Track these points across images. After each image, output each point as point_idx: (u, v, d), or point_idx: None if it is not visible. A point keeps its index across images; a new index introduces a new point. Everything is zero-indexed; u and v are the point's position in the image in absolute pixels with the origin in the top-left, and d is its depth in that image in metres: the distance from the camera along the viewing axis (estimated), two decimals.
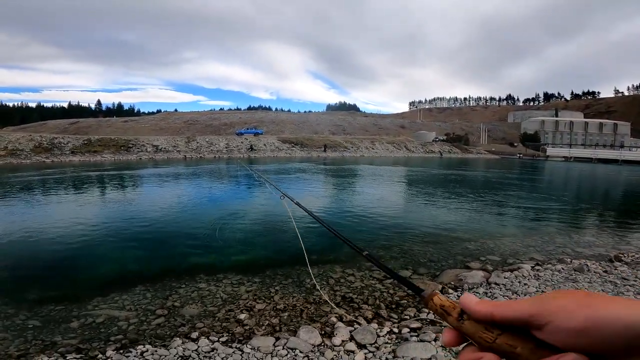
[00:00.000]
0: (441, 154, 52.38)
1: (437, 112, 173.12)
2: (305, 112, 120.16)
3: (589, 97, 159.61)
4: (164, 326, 3.65)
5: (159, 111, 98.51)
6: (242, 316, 3.77)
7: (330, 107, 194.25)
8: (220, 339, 3.29)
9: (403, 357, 2.86)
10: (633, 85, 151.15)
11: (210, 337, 3.32)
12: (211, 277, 4.92)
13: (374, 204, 11.12)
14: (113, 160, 29.41)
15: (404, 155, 46.83)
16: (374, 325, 3.53)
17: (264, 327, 3.56)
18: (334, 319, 3.64)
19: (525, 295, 4.02)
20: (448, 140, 64.20)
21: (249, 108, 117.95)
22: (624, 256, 5.56)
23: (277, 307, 4.03)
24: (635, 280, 4.39)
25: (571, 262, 5.30)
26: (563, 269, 4.95)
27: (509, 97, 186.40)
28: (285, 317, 3.80)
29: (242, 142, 40.25)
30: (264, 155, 36.99)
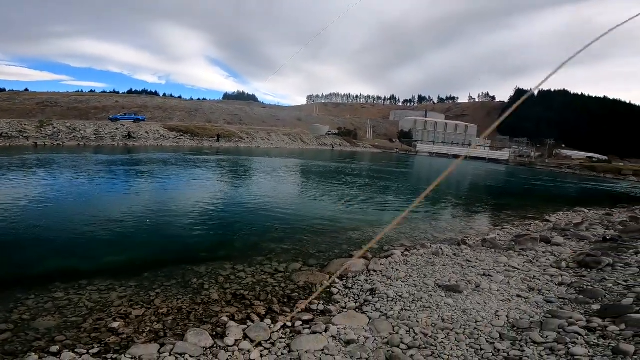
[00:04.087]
0: (333, 147, 55.88)
1: (332, 107, 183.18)
2: (199, 99, 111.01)
3: (450, 102, 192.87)
4: (12, 342, 3.16)
5: (2, 90, 76.40)
6: (115, 325, 3.41)
7: (227, 96, 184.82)
8: (90, 351, 2.96)
9: (297, 351, 2.91)
10: (482, 93, 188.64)
11: (76, 350, 2.96)
12: (70, 285, 4.27)
13: (267, 196, 11.08)
14: None
15: (299, 147, 48.21)
16: (268, 321, 3.55)
17: (144, 335, 3.27)
18: (225, 319, 3.56)
19: (397, 280, 4.58)
20: (340, 135, 68.85)
21: (130, 92, 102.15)
22: (468, 239, 6.91)
23: (160, 311, 3.72)
24: (477, 262, 5.38)
25: (430, 246, 6.27)
26: (424, 253, 5.79)
27: (392, 97, 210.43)
28: (169, 321, 3.53)
29: (117, 129, 34.72)
30: (146, 143, 32.71)
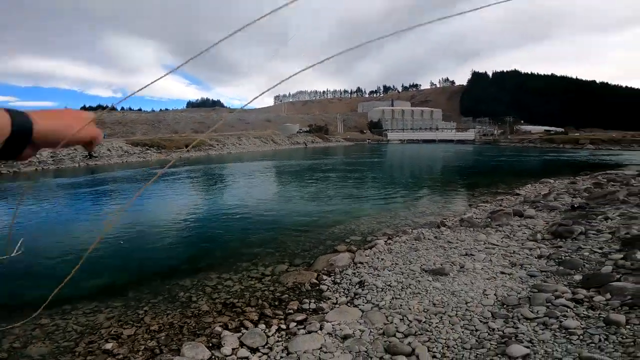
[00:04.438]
0: (306, 145, 55.80)
1: (300, 105, 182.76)
2: (161, 110, 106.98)
3: (414, 89, 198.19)
4: None
5: None
6: (108, 346, 3.34)
7: (191, 104, 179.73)
8: None
9: (296, 352, 2.88)
10: (442, 79, 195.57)
11: None
12: (54, 312, 4.13)
13: (244, 202, 10.84)
14: None
15: (272, 149, 47.75)
16: (262, 326, 3.51)
17: (140, 353, 3.23)
18: (218, 329, 3.49)
19: (384, 270, 4.60)
20: (311, 131, 68.87)
21: (84, 108, 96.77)
22: (447, 221, 7.05)
23: (151, 328, 3.66)
24: (458, 243, 5.50)
25: (411, 232, 6.36)
26: (407, 239, 5.86)
27: (358, 90, 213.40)
28: (163, 337, 3.47)
29: (75, 149, 32.76)
30: (110, 162, 31.08)
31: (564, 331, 2.76)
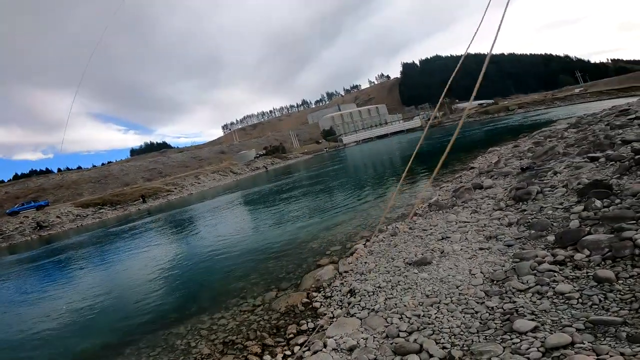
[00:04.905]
0: (266, 168, 55.24)
1: (250, 129, 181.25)
2: (104, 164, 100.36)
3: (355, 90, 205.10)
4: None
5: None
6: None
7: (134, 151, 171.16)
8: None
9: None
10: (378, 75, 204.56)
11: None
12: None
13: (216, 240, 10.42)
14: None
15: (233, 180, 46.63)
16: (267, 357, 3.47)
17: None
18: None
19: (370, 273, 4.60)
20: (268, 154, 68.48)
21: (17, 177, 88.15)
22: (417, 209, 7.25)
23: None
24: (431, 228, 5.58)
25: (387, 229, 6.44)
26: (384, 237, 5.92)
27: (304, 102, 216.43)
28: None
29: (21, 223, 29.87)
30: (64, 229, 28.59)
31: (560, 297, 2.75)
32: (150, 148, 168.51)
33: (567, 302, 2.68)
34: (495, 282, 3.37)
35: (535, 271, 3.23)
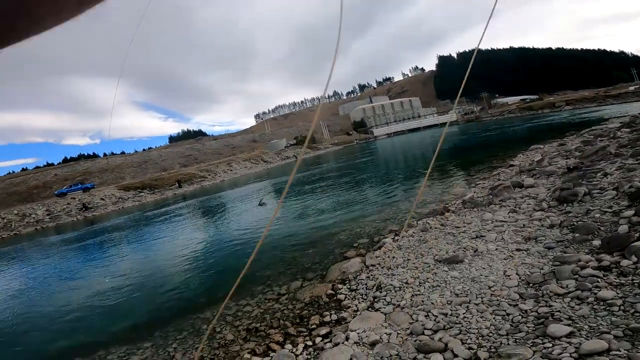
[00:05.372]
0: (296, 157, 55.78)
1: (281, 119, 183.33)
2: (144, 150, 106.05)
3: (388, 82, 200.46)
4: None
5: None
6: None
7: (173, 138, 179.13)
8: None
9: None
10: (412, 67, 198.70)
11: None
12: (90, 358, 4.34)
13: (247, 226, 10.74)
14: None
15: (264, 168, 47.58)
16: (289, 346, 3.49)
17: None
18: (247, 356, 3.50)
19: (397, 268, 4.52)
20: (298, 143, 68.95)
21: (66, 160, 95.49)
22: (450, 206, 7.00)
23: None
24: (465, 226, 5.40)
25: (417, 224, 6.28)
26: (414, 233, 5.78)
27: (335, 93, 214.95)
28: None
29: (69, 204, 32.34)
30: (106, 211, 30.64)
31: (602, 303, 2.64)
32: (187, 135, 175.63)
33: (608, 308, 2.57)
34: (531, 284, 3.23)
35: (577, 276, 3.08)
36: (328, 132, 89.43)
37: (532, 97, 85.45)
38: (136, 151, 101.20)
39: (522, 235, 4.44)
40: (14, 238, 23.59)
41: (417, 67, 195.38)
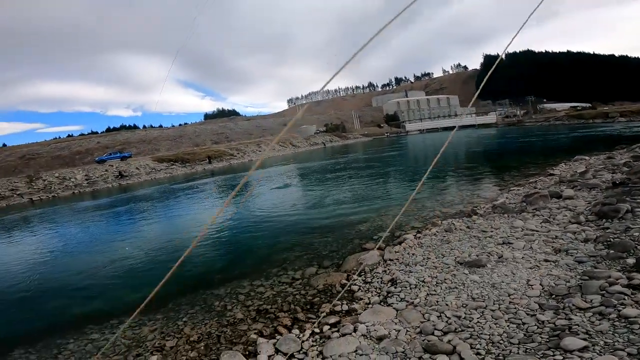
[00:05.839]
0: (324, 145, 55.77)
1: (314, 105, 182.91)
2: (180, 125, 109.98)
3: (426, 78, 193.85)
4: None
5: None
6: (154, 358, 3.49)
7: (208, 116, 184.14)
8: None
9: (331, 357, 2.83)
10: (454, 64, 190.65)
11: None
12: (103, 325, 4.45)
13: (268, 207, 10.90)
14: None
15: (291, 152, 48.01)
16: (296, 331, 3.52)
17: None
18: (254, 336, 3.55)
19: (415, 265, 4.42)
20: (328, 131, 68.81)
21: (109, 130, 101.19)
22: (478, 209, 6.73)
23: (191, 339, 3.75)
24: (492, 231, 5.20)
25: (441, 223, 6.11)
26: (437, 232, 5.63)
27: (370, 84, 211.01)
28: (202, 347, 3.56)
29: (106, 171, 34.31)
30: (140, 180, 32.29)
31: (623, 320, 2.53)
32: (221, 114, 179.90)
33: (628, 326, 2.47)
34: (554, 296, 3.11)
35: (604, 292, 2.95)
36: (359, 122, 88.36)
37: (584, 105, 79.55)
38: (173, 125, 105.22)
39: (552, 247, 4.23)
40: (51, 200, 25.27)
41: (459, 65, 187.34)
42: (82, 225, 12.52)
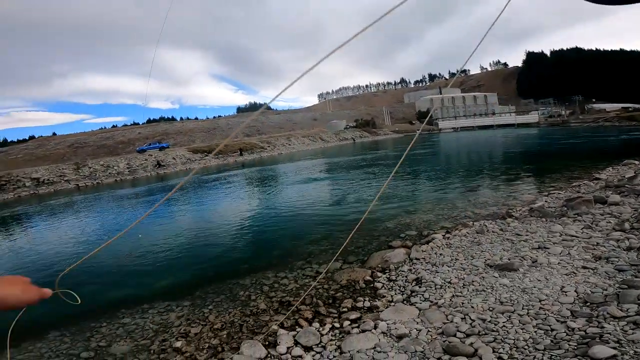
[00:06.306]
0: (354, 140, 55.36)
1: (344, 101, 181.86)
2: (214, 117, 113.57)
3: (463, 75, 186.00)
4: None
5: (32, 137, 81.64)
6: (178, 344, 3.59)
7: (240, 109, 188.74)
8: None
9: (349, 352, 2.84)
10: (493, 62, 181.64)
11: None
12: (134, 310, 4.61)
13: (297, 200, 11.05)
14: None
15: (320, 147, 48.14)
16: (316, 324, 3.54)
17: (204, 351, 3.44)
18: (275, 327, 3.60)
19: (442, 265, 4.33)
20: (358, 126, 68.16)
21: (149, 121, 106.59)
22: (514, 211, 6.43)
23: (214, 327, 3.86)
24: (528, 235, 4.96)
25: (473, 225, 5.91)
26: (468, 233, 5.46)
27: (402, 80, 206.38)
28: (224, 335, 3.65)
29: (146, 160, 36.25)
30: (176, 170, 33.87)
31: None
32: (253, 107, 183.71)
33: None
34: (589, 304, 2.95)
35: None
36: (390, 118, 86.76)
37: (636, 106, 72.95)
38: (207, 118, 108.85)
39: (592, 253, 3.99)
40: (95, 186, 27.05)
41: (498, 62, 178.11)
42: (117, 211, 13.31)
